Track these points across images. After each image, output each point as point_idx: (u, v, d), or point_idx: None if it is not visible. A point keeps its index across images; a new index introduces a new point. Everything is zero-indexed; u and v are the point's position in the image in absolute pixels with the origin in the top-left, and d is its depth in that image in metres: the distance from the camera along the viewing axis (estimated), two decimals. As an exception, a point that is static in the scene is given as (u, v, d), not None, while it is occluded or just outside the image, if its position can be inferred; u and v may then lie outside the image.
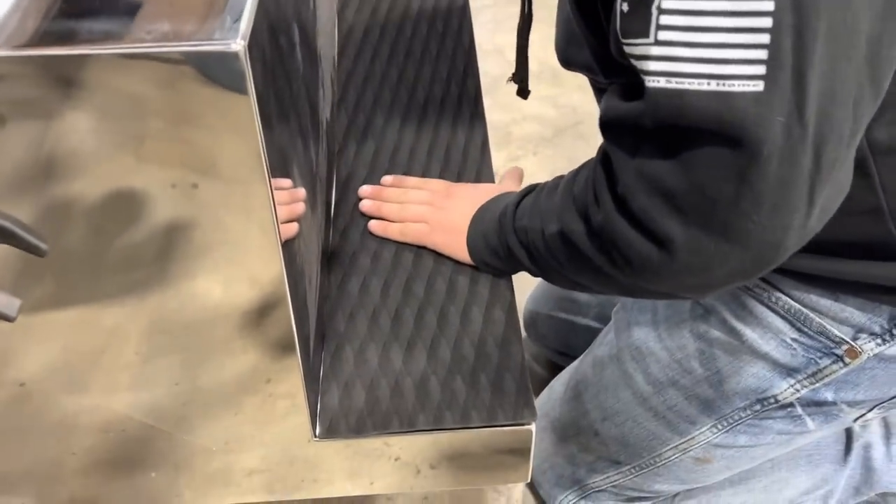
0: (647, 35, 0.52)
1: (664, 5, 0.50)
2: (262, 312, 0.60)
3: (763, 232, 0.54)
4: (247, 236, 0.56)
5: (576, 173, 0.69)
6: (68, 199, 0.53)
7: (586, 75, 0.76)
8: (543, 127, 2.03)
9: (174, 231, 0.55)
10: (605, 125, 0.60)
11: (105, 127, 0.50)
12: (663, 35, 0.51)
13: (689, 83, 0.51)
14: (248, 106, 0.49)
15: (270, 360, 0.63)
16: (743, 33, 0.50)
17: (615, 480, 0.96)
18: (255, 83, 0.48)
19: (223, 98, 0.49)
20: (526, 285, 1.21)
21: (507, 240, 0.75)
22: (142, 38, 0.47)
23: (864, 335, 0.72)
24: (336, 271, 0.83)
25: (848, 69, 0.52)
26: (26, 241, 0.51)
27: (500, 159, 2.03)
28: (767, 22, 0.49)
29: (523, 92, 0.93)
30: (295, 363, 0.63)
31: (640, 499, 0.99)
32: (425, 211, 0.82)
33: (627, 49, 0.54)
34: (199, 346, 0.62)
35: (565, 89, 2.14)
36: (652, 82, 0.52)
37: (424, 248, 0.83)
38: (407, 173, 0.91)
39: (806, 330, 0.75)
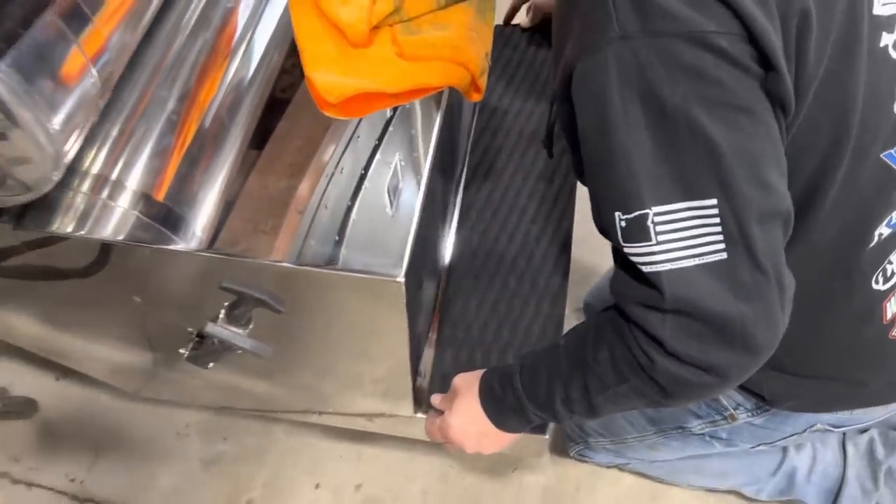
0: (650, 240, 0.71)
1: (656, 220, 0.70)
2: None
3: (767, 343, 0.73)
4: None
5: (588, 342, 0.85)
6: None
7: None
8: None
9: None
10: (626, 307, 0.77)
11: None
12: (661, 238, 0.70)
13: (682, 263, 0.70)
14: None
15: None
16: (701, 225, 0.69)
17: (603, 444, 1.44)
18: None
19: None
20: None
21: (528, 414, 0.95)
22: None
23: (740, 408, 1.13)
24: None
25: (774, 226, 0.72)
26: (271, 305, 0.89)
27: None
28: (715, 216, 0.69)
29: (549, 150, 1.09)
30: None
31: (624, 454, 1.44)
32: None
33: (628, 249, 0.73)
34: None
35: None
36: (655, 267, 0.71)
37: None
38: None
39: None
